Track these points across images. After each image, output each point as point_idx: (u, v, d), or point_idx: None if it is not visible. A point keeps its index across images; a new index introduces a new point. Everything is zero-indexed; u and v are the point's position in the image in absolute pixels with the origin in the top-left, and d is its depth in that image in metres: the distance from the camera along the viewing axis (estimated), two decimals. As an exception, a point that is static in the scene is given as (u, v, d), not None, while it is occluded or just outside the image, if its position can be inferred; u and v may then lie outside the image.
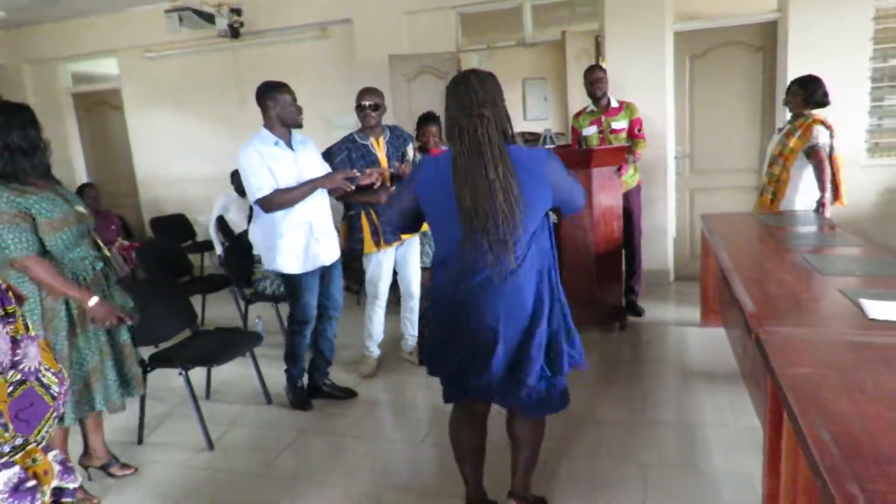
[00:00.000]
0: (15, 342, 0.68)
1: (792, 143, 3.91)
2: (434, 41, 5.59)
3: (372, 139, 3.56)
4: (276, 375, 3.62)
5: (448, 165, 1.90)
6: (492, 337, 1.94)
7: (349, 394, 3.54)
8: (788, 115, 4.17)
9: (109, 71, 7.08)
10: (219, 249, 5.10)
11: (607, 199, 4.10)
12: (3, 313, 0.68)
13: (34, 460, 0.76)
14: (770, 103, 4.99)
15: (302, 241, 3.16)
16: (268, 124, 3.11)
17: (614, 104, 4.46)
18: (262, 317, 4.68)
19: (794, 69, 4.72)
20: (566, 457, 2.74)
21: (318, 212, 3.22)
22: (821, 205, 3.83)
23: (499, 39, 5.86)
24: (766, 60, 4.95)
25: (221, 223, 5.23)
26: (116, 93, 6.99)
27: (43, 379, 0.70)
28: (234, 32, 6.04)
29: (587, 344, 4.10)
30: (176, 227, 6.31)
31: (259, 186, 3.03)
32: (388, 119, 5.54)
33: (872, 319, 1.90)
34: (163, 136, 6.80)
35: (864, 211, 4.71)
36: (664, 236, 5.28)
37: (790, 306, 2.12)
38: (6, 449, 0.73)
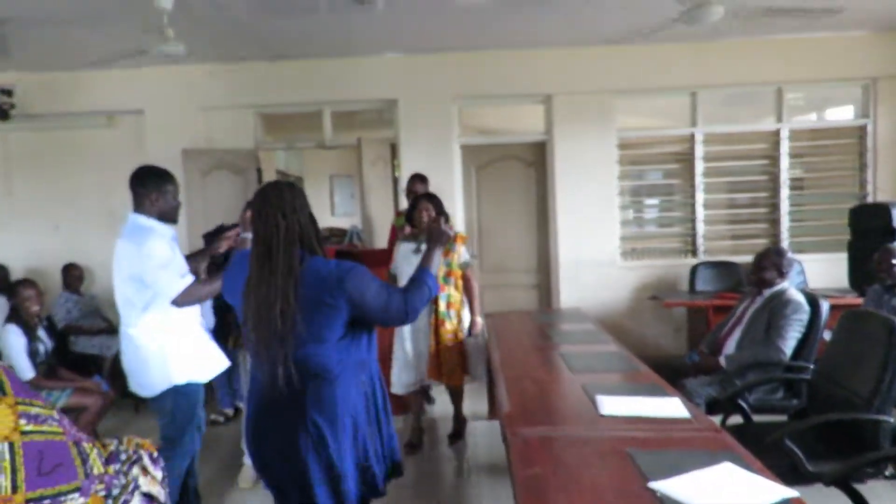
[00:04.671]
0: None
1: (453, 259, 3.81)
2: (232, 137, 5.59)
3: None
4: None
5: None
6: (269, 467, 1.89)
7: None
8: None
9: None
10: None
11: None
12: None
13: None
14: (543, 211, 5.66)
15: (204, 341, 2.87)
16: (144, 213, 2.75)
17: None
18: None
19: (562, 183, 5.47)
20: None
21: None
22: (473, 325, 3.85)
23: (300, 139, 6.02)
24: (538, 174, 5.66)
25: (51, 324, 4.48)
26: None
27: None
28: (3, 114, 5.51)
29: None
30: None
31: (177, 280, 2.65)
32: (181, 219, 5.35)
33: (602, 415, 2.19)
34: None
35: (619, 306, 5.45)
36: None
37: (540, 405, 2.36)
38: None
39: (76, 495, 0.70)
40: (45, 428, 0.70)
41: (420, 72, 5.42)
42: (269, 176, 6.70)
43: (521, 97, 5.57)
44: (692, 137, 5.54)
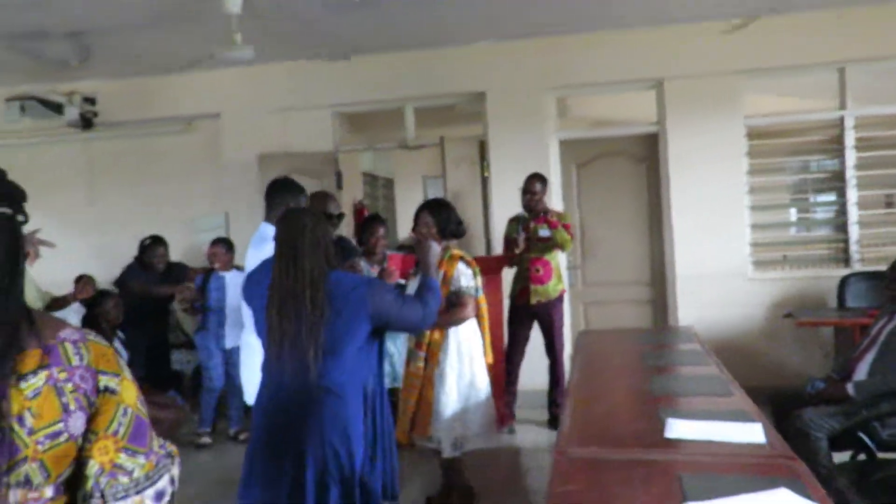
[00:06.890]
0: None
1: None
2: (310, 139, 6.15)
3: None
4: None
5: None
6: (296, 463, 2.25)
7: None
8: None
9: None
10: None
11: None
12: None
13: None
14: (656, 215, 5.76)
15: None
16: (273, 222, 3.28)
17: None
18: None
19: (676, 181, 5.55)
20: None
21: None
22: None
23: (381, 140, 6.51)
24: (650, 171, 5.77)
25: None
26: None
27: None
28: (87, 123, 6.41)
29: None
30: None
31: None
32: (247, 227, 5.97)
33: (666, 438, 2.37)
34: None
35: (751, 326, 5.41)
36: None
37: (601, 428, 2.57)
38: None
39: (142, 458, 1.18)
40: (144, 409, 1.23)
41: (510, 60, 5.71)
42: (352, 179, 7.25)
43: (628, 83, 5.71)
44: (841, 122, 5.43)
